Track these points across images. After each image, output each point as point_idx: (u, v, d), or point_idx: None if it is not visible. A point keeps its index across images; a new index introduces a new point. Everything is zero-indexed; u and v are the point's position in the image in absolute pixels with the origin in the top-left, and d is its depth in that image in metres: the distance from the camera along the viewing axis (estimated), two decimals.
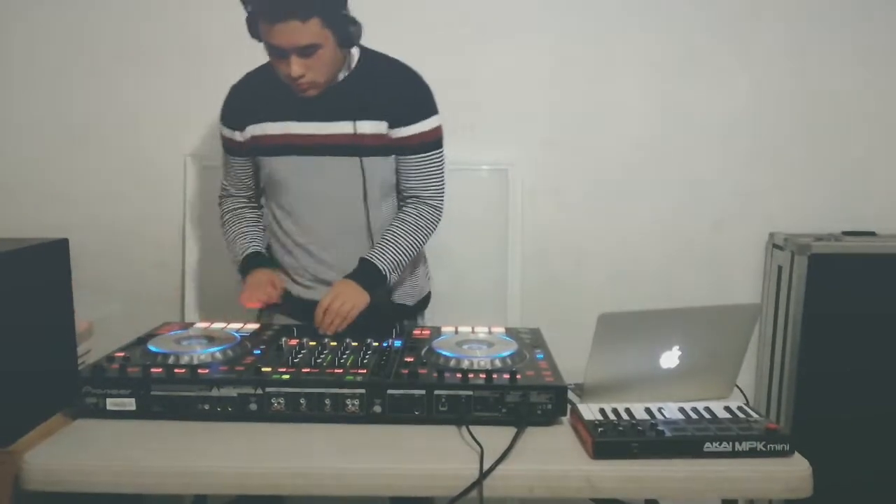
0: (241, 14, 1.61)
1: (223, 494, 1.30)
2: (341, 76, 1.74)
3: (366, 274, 1.73)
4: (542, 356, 1.53)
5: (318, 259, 1.82)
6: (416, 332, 1.69)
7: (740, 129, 2.47)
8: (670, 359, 1.40)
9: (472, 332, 1.67)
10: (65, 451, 1.26)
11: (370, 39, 1.76)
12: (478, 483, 1.20)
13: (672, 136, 2.47)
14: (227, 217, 1.90)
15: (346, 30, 1.64)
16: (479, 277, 2.42)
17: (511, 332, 1.69)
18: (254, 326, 1.73)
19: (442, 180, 1.82)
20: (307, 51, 1.60)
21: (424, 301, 1.98)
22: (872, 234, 2.42)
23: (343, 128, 1.73)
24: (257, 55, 2.39)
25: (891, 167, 2.49)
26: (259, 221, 1.91)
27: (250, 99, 1.79)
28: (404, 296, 1.91)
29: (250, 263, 1.81)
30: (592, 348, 1.37)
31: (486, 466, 1.20)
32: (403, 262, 1.77)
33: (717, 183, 2.49)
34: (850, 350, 2.30)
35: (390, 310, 1.86)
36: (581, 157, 2.47)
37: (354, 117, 1.72)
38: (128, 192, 2.45)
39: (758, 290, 2.52)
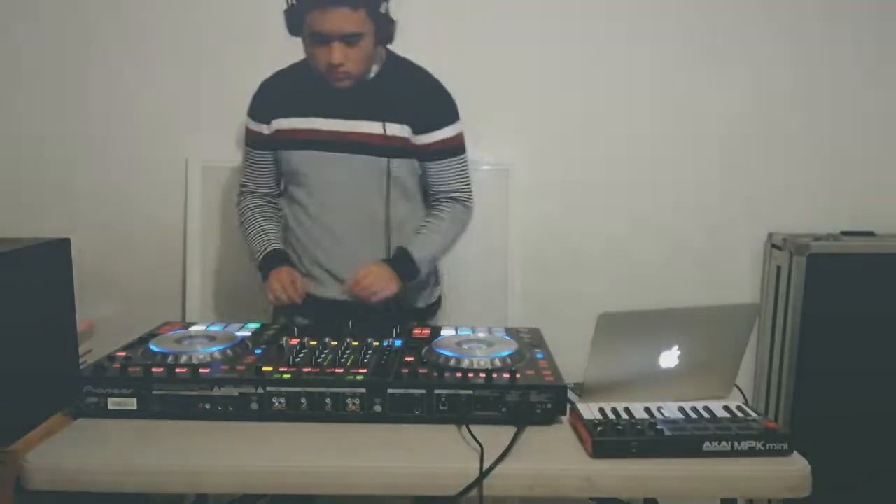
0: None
1: (224, 494, 1.31)
2: (371, 74, 1.77)
3: (402, 262, 1.78)
4: (541, 356, 1.53)
5: (332, 255, 1.84)
6: (416, 331, 1.69)
7: (740, 129, 2.47)
8: (670, 358, 1.40)
9: (473, 331, 1.67)
10: (66, 451, 1.26)
11: None
12: (478, 482, 1.20)
13: (672, 135, 2.47)
14: (246, 214, 1.91)
15: (387, 26, 1.71)
16: (479, 277, 2.43)
17: (511, 332, 1.70)
18: (255, 326, 1.73)
19: (469, 182, 1.88)
20: (351, 39, 1.66)
21: (435, 304, 2.00)
22: (871, 233, 2.43)
23: (373, 127, 1.77)
24: (257, 56, 2.40)
25: (890, 167, 2.50)
26: (279, 220, 1.93)
27: (278, 93, 1.84)
28: (415, 298, 1.92)
29: (272, 261, 1.83)
30: (592, 348, 1.37)
31: (486, 465, 1.21)
32: (436, 258, 1.84)
33: (717, 183, 2.49)
34: (848, 349, 2.31)
35: (404, 310, 1.87)
36: (581, 157, 2.47)
37: (383, 118, 1.76)
38: (129, 192, 2.46)
39: (756, 289, 2.53)
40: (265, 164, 1.89)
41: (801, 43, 2.43)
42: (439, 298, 2.02)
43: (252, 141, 1.88)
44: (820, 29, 2.43)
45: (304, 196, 1.84)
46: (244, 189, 1.93)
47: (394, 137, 1.77)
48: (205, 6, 2.37)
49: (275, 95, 1.84)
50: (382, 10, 1.70)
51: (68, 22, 2.39)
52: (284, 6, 1.71)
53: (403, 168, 1.81)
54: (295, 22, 1.70)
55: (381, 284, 1.74)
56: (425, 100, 1.81)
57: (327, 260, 1.85)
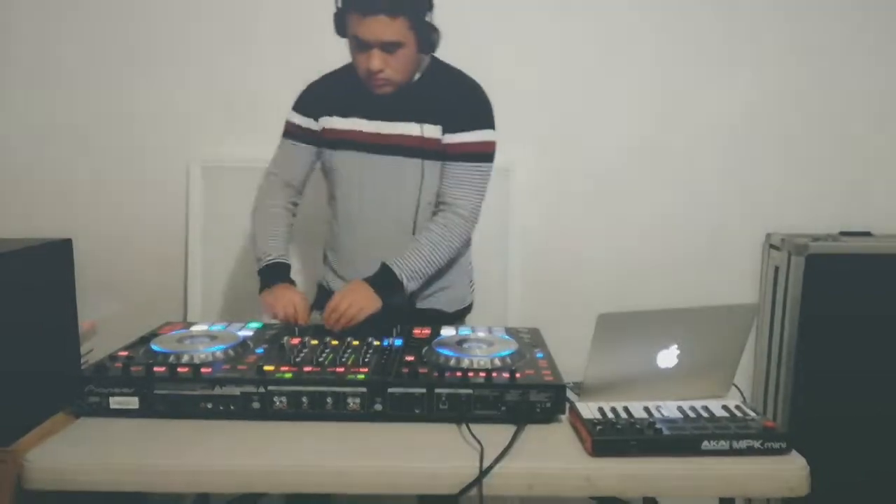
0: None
1: (225, 493, 1.31)
2: (414, 79, 1.78)
3: (382, 279, 1.73)
4: (541, 355, 1.54)
5: (365, 258, 1.82)
6: (417, 331, 1.70)
7: (739, 129, 2.48)
8: (669, 358, 1.41)
9: (472, 331, 1.68)
10: (67, 450, 1.27)
11: None
12: (478, 481, 1.20)
13: (671, 136, 2.48)
14: (263, 211, 1.88)
15: (429, 35, 1.71)
16: (480, 277, 2.43)
17: (511, 332, 1.70)
18: (256, 325, 1.74)
19: (478, 194, 1.79)
20: (390, 47, 1.66)
21: (465, 310, 1.98)
22: (869, 234, 2.43)
23: (410, 129, 1.77)
24: (257, 57, 2.41)
25: (888, 167, 2.50)
26: (291, 227, 1.91)
27: (325, 93, 1.85)
28: (443, 303, 1.90)
29: (275, 274, 1.79)
30: (592, 347, 1.38)
31: (485, 464, 1.21)
32: (426, 271, 1.76)
33: (715, 183, 2.50)
34: (846, 349, 2.31)
35: (417, 314, 1.85)
36: (581, 157, 2.48)
37: (420, 119, 1.76)
38: (131, 193, 2.46)
39: (755, 290, 2.53)
40: (304, 157, 1.88)
41: (801, 42, 2.44)
42: (470, 305, 2.00)
43: (291, 133, 1.87)
44: (819, 28, 2.43)
45: (342, 197, 1.85)
46: (272, 178, 1.91)
47: (429, 139, 1.77)
48: (205, 7, 2.38)
49: (322, 94, 1.85)
50: (425, 20, 1.69)
51: (68, 21, 2.39)
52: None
53: (439, 171, 1.79)
54: (340, 24, 1.71)
55: (360, 305, 1.67)
56: (459, 101, 1.79)
57: (361, 261, 1.83)
